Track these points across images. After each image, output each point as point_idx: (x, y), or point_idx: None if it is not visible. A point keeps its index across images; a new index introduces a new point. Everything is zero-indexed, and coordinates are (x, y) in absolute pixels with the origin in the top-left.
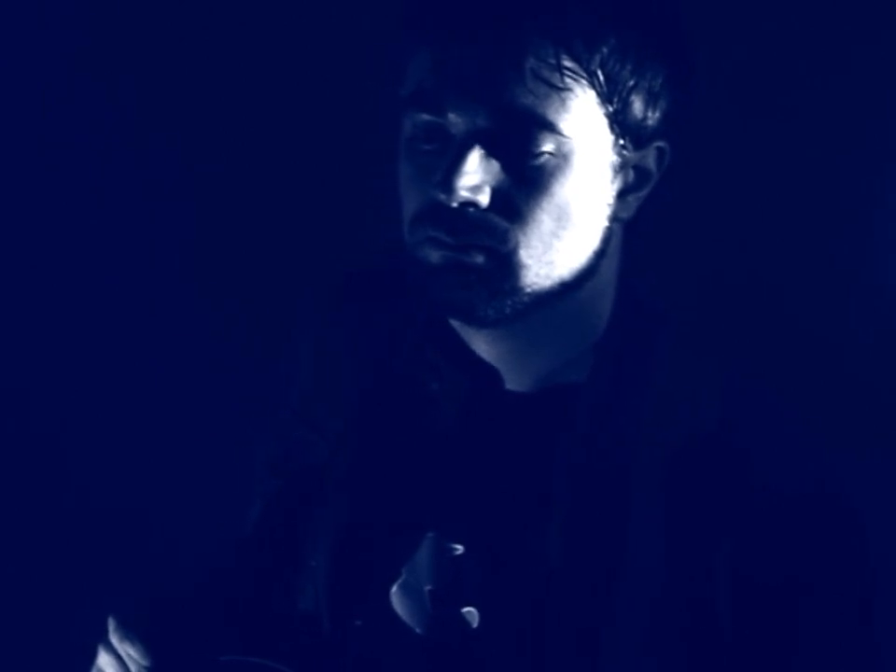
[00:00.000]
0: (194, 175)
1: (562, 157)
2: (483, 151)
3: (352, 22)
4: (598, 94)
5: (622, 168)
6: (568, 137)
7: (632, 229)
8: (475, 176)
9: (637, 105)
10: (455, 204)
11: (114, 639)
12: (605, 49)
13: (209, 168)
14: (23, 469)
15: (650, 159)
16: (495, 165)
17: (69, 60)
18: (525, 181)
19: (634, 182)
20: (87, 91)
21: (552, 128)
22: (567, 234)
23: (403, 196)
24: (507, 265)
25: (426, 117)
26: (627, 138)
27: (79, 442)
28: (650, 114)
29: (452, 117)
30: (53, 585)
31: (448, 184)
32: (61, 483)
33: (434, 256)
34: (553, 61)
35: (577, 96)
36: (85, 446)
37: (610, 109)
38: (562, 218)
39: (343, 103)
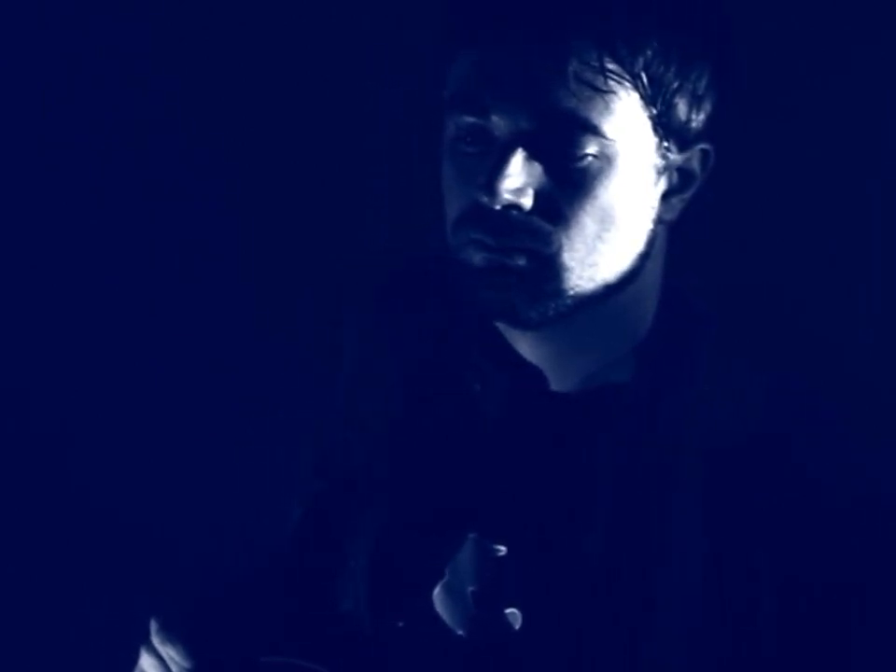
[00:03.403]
0: (228, 177)
1: (605, 159)
2: (525, 154)
3: (388, 24)
4: (642, 97)
5: (665, 170)
6: (612, 140)
7: (676, 231)
8: (518, 179)
9: (681, 108)
10: (497, 207)
11: (156, 641)
12: (648, 52)
13: (239, 167)
14: (58, 472)
15: (693, 161)
16: (537, 168)
17: (80, 62)
18: (569, 184)
19: (677, 184)
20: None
21: (595, 130)
22: (610, 237)
23: (446, 198)
24: (550, 268)
25: (468, 119)
26: (671, 140)
27: (115, 447)
28: (693, 116)
29: (495, 119)
30: (95, 588)
31: (491, 186)
32: (101, 487)
33: (477, 258)
34: (596, 63)
35: (620, 99)
36: (120, 450)
37: (654, 112)
38: (605, 221)
39: (382, 103)
